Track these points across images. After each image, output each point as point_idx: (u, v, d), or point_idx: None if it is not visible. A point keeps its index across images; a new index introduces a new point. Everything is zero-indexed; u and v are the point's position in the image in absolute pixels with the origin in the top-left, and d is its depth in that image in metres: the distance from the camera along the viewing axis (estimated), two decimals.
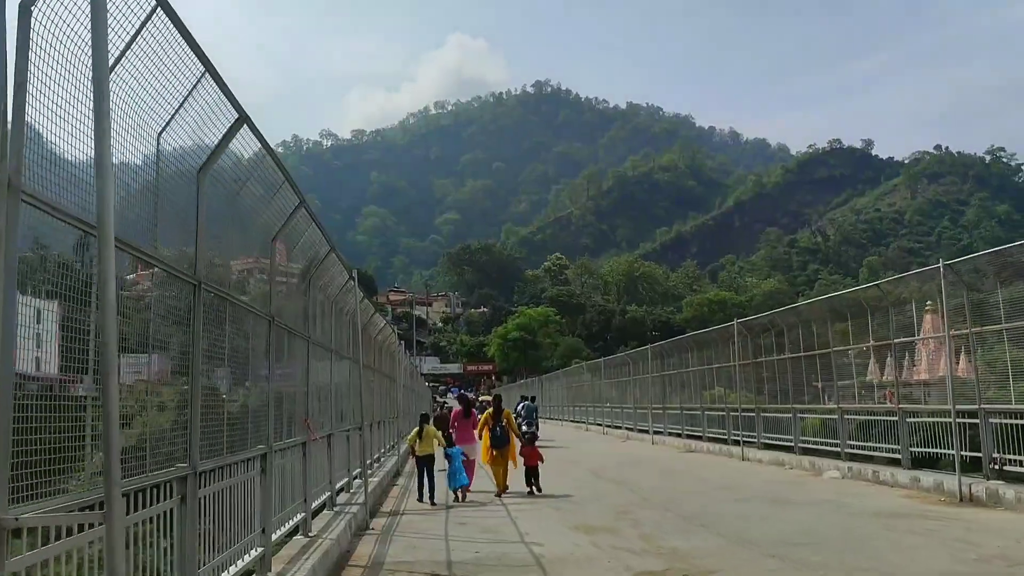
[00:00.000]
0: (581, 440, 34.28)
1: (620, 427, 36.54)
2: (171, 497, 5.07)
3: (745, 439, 21.15)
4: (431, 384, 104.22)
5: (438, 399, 71.55)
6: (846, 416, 16.94)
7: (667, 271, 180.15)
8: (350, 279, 12.02)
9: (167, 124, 5.03)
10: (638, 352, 33.76)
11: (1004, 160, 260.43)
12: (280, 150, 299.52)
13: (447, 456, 14.67)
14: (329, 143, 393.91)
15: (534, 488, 15.09)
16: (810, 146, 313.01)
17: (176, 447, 5.25)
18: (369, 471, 16.41)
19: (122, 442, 3.73)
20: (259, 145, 6.64)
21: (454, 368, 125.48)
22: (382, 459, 20.01)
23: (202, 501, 5.64)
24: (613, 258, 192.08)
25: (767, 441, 20.63)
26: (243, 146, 6.48)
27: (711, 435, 24.69)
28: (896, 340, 15.60)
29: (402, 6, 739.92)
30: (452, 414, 17.12)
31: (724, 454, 22.36)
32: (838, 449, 17.05)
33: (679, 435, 27.72)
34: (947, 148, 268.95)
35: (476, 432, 15.99)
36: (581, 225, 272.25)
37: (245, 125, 5.96)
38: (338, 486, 12.56)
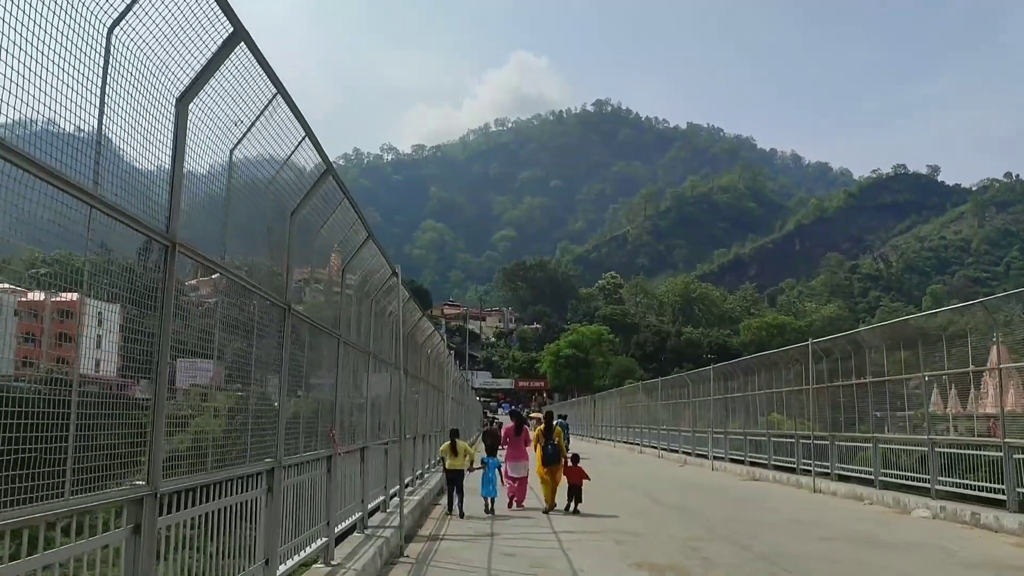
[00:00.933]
0: (635, 462, 32.69)
1: (677, 451, 34.80)
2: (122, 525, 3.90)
3: (818, 469, 19.41)
4: (482, 399, 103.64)
5: (489, 414, 70.61)
6: (936, 448, 15.17)
7: (724, 293, 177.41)
8: (393, 275, 10.87)
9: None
10: (698, 372, 32.08)
11: None
12: (341, 163, 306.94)
13: (483, 463, 15.04)
14: (389, 157, 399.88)
15: (574, 506, 14.98)
16: (874, 171, 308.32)
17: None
18: (410, 488, 15.27)
19: None
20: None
21: (505, 383, 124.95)
22: (425, 475, 18.83)
23: (174, 528, 4.48)
24: (669, 278, 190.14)
25: (842, 472, 18.87)
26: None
27: (777, 463, 22.95)
28: (976, 368, 13.96)
29: (464, 23, 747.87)
30: (504, 431, 17.03)
31: (792, 484, 20.63)
32: (926, 485, 15.32)
33: (741, 461, 25.98)
34: (1017, 176, 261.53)
35: (529, 449, 15.97)
36: (637, 244, 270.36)
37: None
38: (372, 505, 11.39)
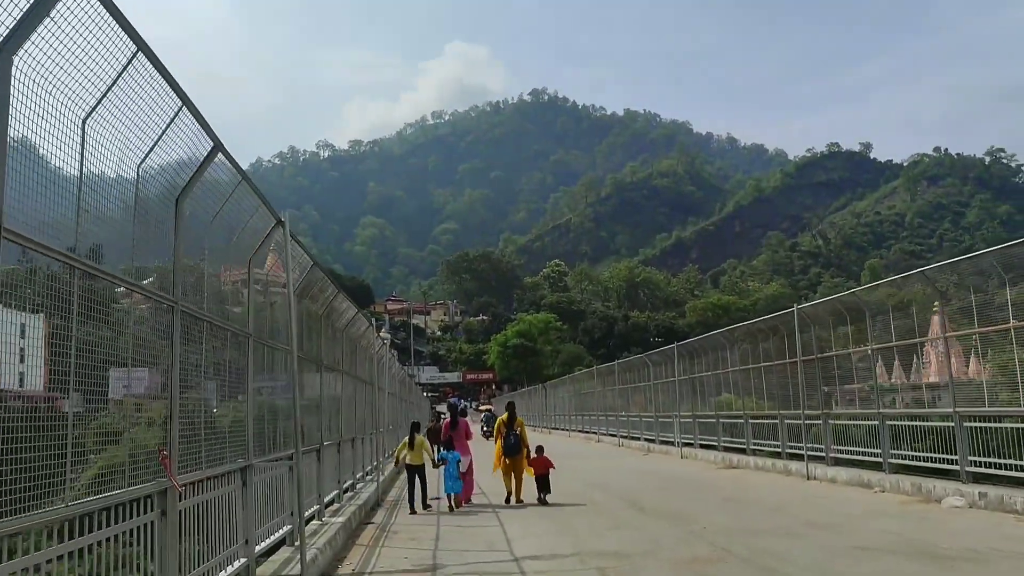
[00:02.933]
0: (596, 454, 30.12)
1: (639, 438, 32.35)
2: None
3: (810, 453, 16.93)
4: (430, 395, 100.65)
5: (435, 408, 67.66)
6: (965, 424, 12.71)
7: (668, 277, 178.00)
8: (279, 224, 7.82)
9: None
10: (661, 352, 29.53)
11: (1004, 161, 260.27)
12: (276, 162, 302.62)
13: (442, 459, 14.79)
14: (326, 154, 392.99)
15: (543, 496, 14.85)
16: (808, 150, 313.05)
17: None
18: (333, 507, 12.35)
19: None
20: None
21: (453, 377, 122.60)
22: (357, 486, 15.83)
23: None
24: (613, 264, 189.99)
25: (839, 456, 16.42)
26: None
27: (757, 447, 20.52)
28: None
29: (399, 15, 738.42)
30: (443, 425, 16.81)
31: (779, 471, 18.18)
32: (950, 467, 12.92)
33: (714, 447, 23.52)
34: (946, 150, 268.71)
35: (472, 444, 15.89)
36: (580, 232, 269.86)
37: None
38: (269, 541, 8.42)
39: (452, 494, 14.37)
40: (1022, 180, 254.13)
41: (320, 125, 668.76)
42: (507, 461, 15.29)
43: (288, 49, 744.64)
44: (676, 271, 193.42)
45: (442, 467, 14.82)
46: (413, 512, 13.99)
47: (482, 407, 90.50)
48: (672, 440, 27.43)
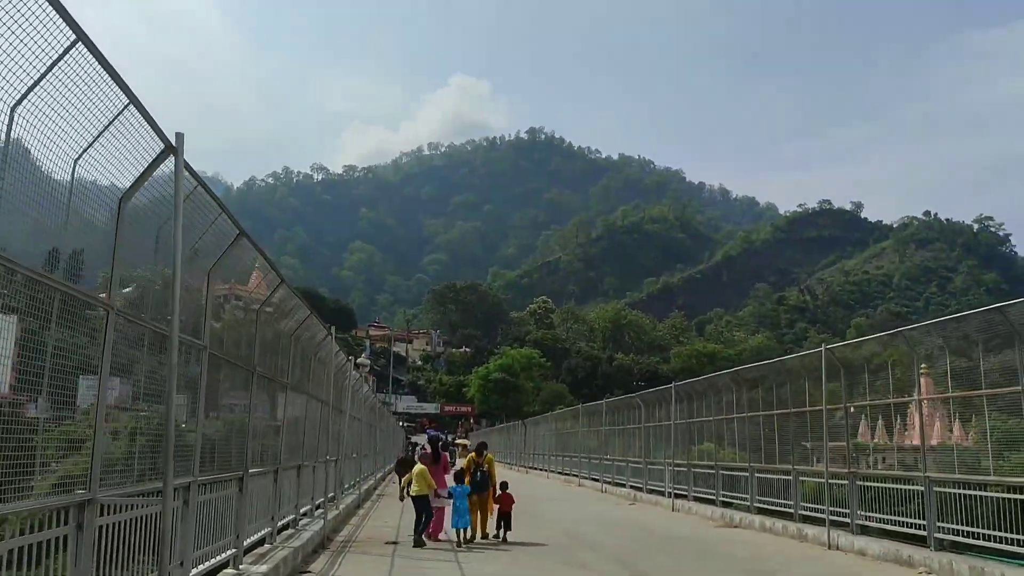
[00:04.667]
0: (577, 499, 27.76)
1: (624, 484, 29.97)
2: None
3: (832, 518, 14.65)
4: (407, 424, 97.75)
5: (411, 439, 65.01)
6: None
7: (654, 321, 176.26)
8: (168, 151, 5.56)
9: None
10: (655, 392, 27.26)
11: (992, 229, 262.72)
12: (270, 181, 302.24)
13: (450, 493, 14.53)
14: (320, 176, 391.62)
15: (503, 534, 15.04)
16: (800, 205, 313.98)
17: None
18: (260, 551, 10.04)
19: None
20: None
21: (431, 408, 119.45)
22: (301, 522, 13.47)
23: None
24: (599, 306, 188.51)
25: (868, 524, 14.04)
26: None
27: (765, 506, 18.23)
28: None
29: (403, 46, 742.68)
30: (419, 458, 16.45)
31: (793, 536, 15.82)
32: (1015, 548, 10.68)
33: (711, 502, 21.20)
34: (936, 215, 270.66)
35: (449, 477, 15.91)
36: (569, 272, 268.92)
37: None
38: None
39: (460, 529, 14.20)
40: (1009, 249, 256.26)
41: (316, 148, 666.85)
42: (474, 497, 15.18)
43: (289, 70, 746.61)
44: (662, 316, 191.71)
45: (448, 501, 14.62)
46: (418, 545, 13.66)
47: (458, 440, 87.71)
48: (662, 490, 25.09)
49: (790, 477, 17.01)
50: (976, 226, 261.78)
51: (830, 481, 14.75)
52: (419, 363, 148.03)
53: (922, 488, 12.47)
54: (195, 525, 7.17)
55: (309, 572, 10.44)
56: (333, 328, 14.25)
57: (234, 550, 8.71)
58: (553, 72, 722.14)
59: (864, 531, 14.18)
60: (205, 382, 7.16)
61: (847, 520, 14.54)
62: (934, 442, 13.80)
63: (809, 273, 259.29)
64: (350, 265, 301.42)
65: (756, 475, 18.73)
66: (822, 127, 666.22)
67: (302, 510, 13.94)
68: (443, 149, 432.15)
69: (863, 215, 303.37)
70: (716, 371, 25.59)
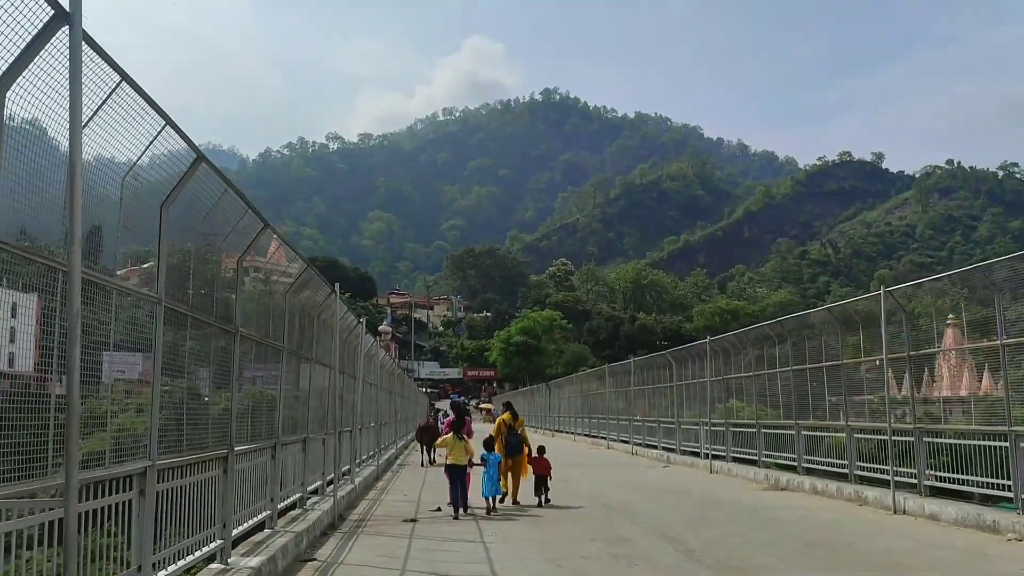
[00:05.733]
0: (608, 463, 26.47)
1: (656, 446, 28.67)
2: None
3: (898, 479, 12.97)
4: (430, 391, 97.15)
5: (434, 404, 64.09)
6: None
7: (675, 280, 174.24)
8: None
9: None
10: (687, 349, 25.80)
11: (1017, 175, 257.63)
12: (285, 152, 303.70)
13: (483, 460, 13.90)
14: (336, 146, 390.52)
15: (543, 499, 14.71)
16: (820, 158, 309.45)
17: None
18: (255, 538, 8.79)
19: None
20: None
21: (454, 373, 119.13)
22: (308, 501, 12.24)
23: None
24: (620, 266, 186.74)
25: (941, 485, 12.60)
26: None
27: (814, 466, 16.75)
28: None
29: (417, 9, 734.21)
30: (444, 425, 16.56)
31: (850, 499, 14.17)
32: None
33: (753, 462, 19.80)
34: (959, 163, 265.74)
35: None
36: (587, 233, 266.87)
37: None
38: None
39: (491, 497, 13.66)
40: None
41: (331, 117, 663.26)
42: (509, 461, 14.78)
43: (302, 36, 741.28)
44: (683, 275, 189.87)
45: (482, 469, 13.91)
46: (456, 517, 13.08)
47: (482, 405, 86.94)
48: (697, 450, 23.76)
49: (843, 434, 15.53)
50: (1001, 173, 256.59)
51: (894, 438, 13.25)
52: (440, 329, 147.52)
53: (1007, 444, 10.99)
54: (156, 518, 5.87)
55: (314, 560, 9.19)
56: (337, 286, 12.86)
57: (220, 541, 7.45)
58: (566, 32, 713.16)
59: (934, 493, 12.76)
60: (160, 343, 5.80)
61: (913, 481, 13.09)
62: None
63: (831, 226, 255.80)
64: (369, 234, 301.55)
65: (803, 433, 17.28)
66: (840, 77, 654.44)
67: (311, 487, 12.70)
68: (457, 114, 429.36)
69: (884, 165, 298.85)
70: (740, 327, 24.15)
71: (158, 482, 5.89)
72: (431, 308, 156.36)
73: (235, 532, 8.12)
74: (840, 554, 9.65)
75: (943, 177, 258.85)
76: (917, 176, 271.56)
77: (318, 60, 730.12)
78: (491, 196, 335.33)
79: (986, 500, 11.81)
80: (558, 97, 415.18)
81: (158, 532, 5.96)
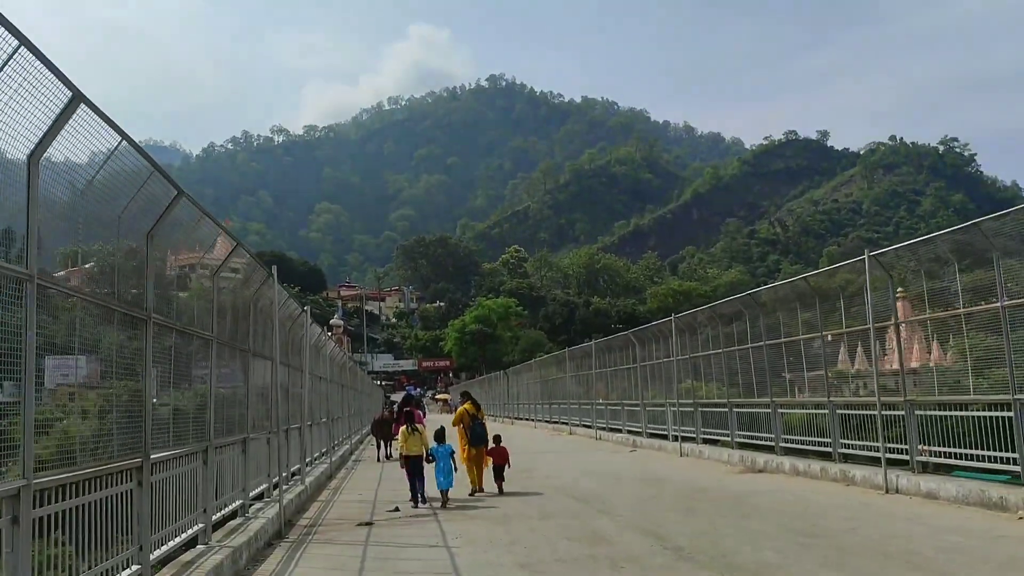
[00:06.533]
0: (572, 449, 25.57)
1: (620, 430, 27.84)
2: None
3: (889, 456, 12.18)
4: (385, 383, 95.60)
5: (389, 397, 62.97)
6: None
7: (628, 264, 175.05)
8: None
9: None
10: (652, 328, 24.89)
11: (957, 150, 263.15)
12: (229, 146, 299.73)
13: (431, 456, 13.64)
14: (280, 139, 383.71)
15: (500, 487, 14.55)
16: (766, 138, 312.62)
17: None
18: (184, 558, 7.59)
19: None
20: None
21: (408, 365, 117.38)
22: (251, 508, 10.99)
23: None
24: (572, 251, 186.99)
25: (935, 460, 11.83)
26: None
27: (792, 446, 15.99)
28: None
29: None
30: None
31: (836, 479, 13.41)
32: None
33: (726, 444, 18.98)
34: (901, 139, 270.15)
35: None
36: (539, 219, 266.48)
37: None
38: None
39: (444, 490, 13.35)
40: (975, 169, 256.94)
41: (275, 110, 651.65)
42: (472, 451, 14.79)
43: (243, 29, 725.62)
44: (635, 258, 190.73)
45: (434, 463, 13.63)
46: (415, 506, 13.14)
47: (439, 395, 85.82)
48: (665, 433, 22.93)
49: (825, 411, 14.74)
50: (942, 148, 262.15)
51: (883, 412, 12.44)
52: (393, 320, 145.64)
53: (1011, 414, 10.21)
54: (42, 550, 4.65)
55: None
56: (275, 268, 11.57)
57: (137, 567, 6.24)
58: (512, 16, 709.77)
59: (926, 469, 11.99)
60: (33, 332, 4.58)
61: (904, 457, 12.31)
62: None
63: (778, 205, 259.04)
64: (317, 227, 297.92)
65: (780, 410, 16.48)
66: (784, 57, 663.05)
67: (254, 492, 11.46)
68: (403, 103, 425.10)
69: (829, 144, 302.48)
70: (693, 307, 23.40)
71: (38, 506, 4.67)
72: (383, 300, 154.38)
73: (157, 554, 6.90)
74: (843, 544, 8.73)
75: (887, 153, 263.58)
76: (862, 153, 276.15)
77: (261, 54, 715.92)
78: (440, 185, 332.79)
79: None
80: (504, 83, 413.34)
81: (43, 568, 4.74)
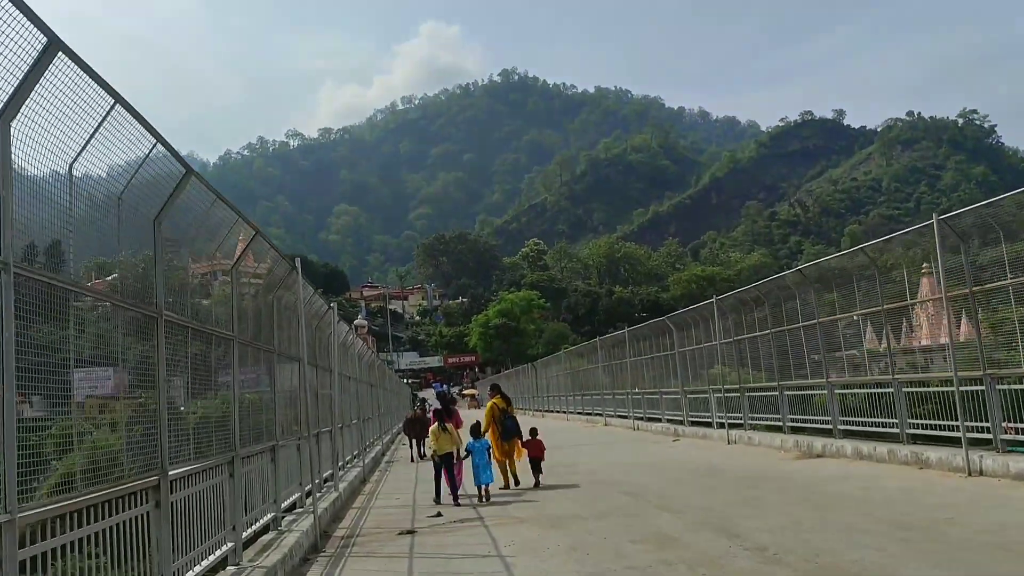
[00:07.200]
0: (611, 441, 24.65)
1: (659, 419, 26.90)
2: None
3: (970, 435, 11.20)
4: (411, 381, 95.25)
5: (417, 395, 62.70)
6: None
7: (648, 251, 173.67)
8: None
9: None
10: (692, 311, 23.80)
11: (977, 122, 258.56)
12: (246, 153, 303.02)
13: (468, 451, 13.56)
14: (296, 143, 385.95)
15: (537, 480, 14.41)
16: (782, 119, 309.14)
17: None
18: None
19: None
20: None
21: (434, 361, 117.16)
22: (284, 520, 10.22)
23: None
24: (592, 242, 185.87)
25: (1015, 436, 10.81)
26: None
27: (855, 428, 14.92)
28: None
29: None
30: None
31: (908, 462, 12.25)
32: None
33: (778, 428, 18.03)
34: (919, 114, 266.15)
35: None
36: (556, 211, 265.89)
37: None
38: None
39: (482, 485, 13.25)
40: (995, 141, 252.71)
41: (290, 114, 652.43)
42: (505, 445, 14.62)
43: (254, 34, 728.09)
44: (655, 246, 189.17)
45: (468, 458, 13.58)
46: (437, 502, 13.09)
47: (466, 391, 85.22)
48: (709, 420, 21.99)
49: (890, 389, 13.72)
50: (961, 120, 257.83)
51: (961, 388, 11.44)
52: (416, 318, 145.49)
53: None
54: None
55: None
56: (298, 261, 10.77)
57: None
58: (520, 9, 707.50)
59: (1013, 447, 11.00)
60: (12, 332, 3.78)
61: (986, 436, 11.33)
62: None
63: (797, 186, 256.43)
64: (336, 229, 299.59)
65: (836, 391, 15.48)
66: (796, 36, 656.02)
67: (286, 503, 10.69)
68: (417, 101, 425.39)
69: (846, 122, 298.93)
70: (717, 293, 22.50)
71: (27, 544, 3.86)
72: (406, 298, 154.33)
73: (196, 570, 6.12)
74: (948, 537, 7.79)
75: (904, 129, 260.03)
76: (879, 130, 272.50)
77: (273, 59, 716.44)
78: (457, 182, 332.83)
79: None
80: (517, 77, 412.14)
81: None
